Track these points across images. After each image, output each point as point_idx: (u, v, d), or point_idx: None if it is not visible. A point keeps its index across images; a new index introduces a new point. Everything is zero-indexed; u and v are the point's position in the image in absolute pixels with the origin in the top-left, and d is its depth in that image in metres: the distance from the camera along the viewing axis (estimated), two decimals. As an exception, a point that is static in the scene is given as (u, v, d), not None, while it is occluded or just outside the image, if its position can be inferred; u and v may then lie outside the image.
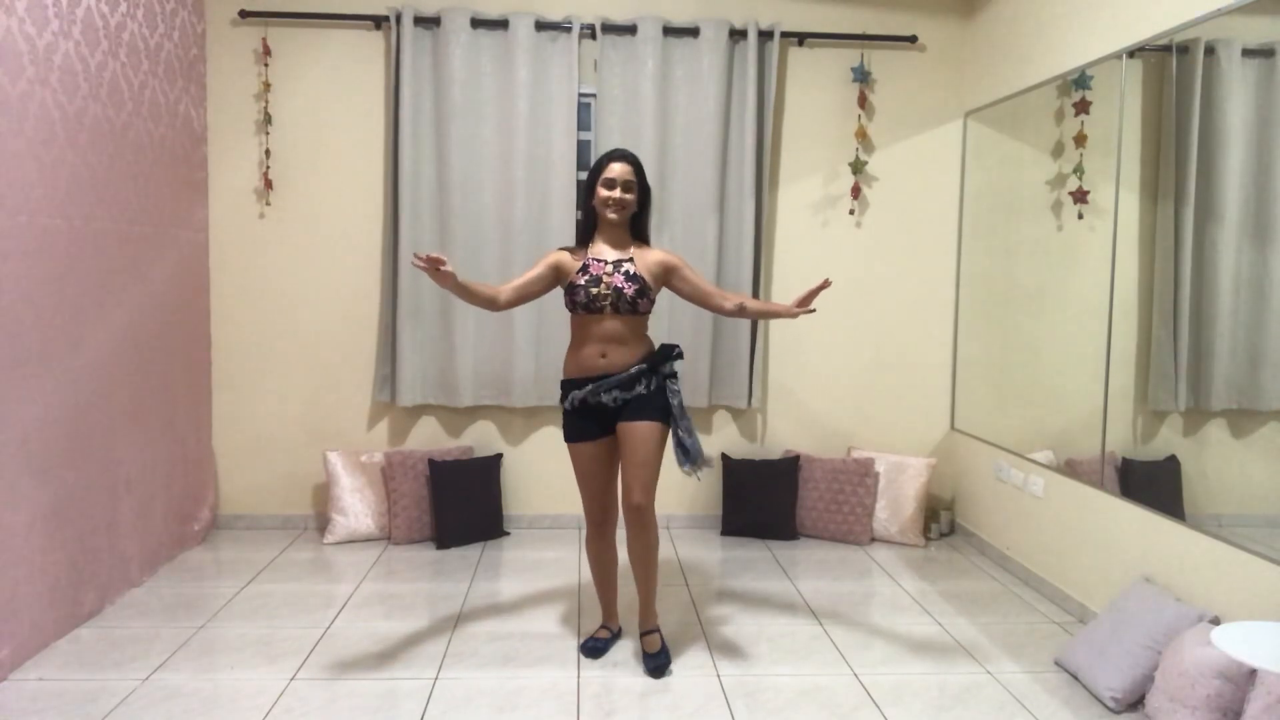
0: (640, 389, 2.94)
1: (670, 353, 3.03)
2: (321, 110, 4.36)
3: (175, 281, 4.00)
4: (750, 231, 4.38)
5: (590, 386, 2.93)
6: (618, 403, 2.94)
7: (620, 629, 3.25)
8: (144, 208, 3.69)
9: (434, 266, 2.62)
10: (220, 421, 4.42)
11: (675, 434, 2.99)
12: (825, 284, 2.90)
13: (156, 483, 3.83)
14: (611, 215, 2.94)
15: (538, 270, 2.98)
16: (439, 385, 4.40)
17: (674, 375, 3.02)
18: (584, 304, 2.91)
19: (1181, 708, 2.50)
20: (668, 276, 3.02)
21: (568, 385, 3.01)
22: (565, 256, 3.00)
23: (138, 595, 3.57)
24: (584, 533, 4.43)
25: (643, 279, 2.94)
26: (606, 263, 2.95)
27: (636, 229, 3.04)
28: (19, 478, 2.92)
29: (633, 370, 2.93)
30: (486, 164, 4.31)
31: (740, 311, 3.05)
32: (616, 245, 3.00)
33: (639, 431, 2.92)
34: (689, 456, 2.99)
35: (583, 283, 2.92)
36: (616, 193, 2.92)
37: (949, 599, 3.69)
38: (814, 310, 2.95)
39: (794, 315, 2.92)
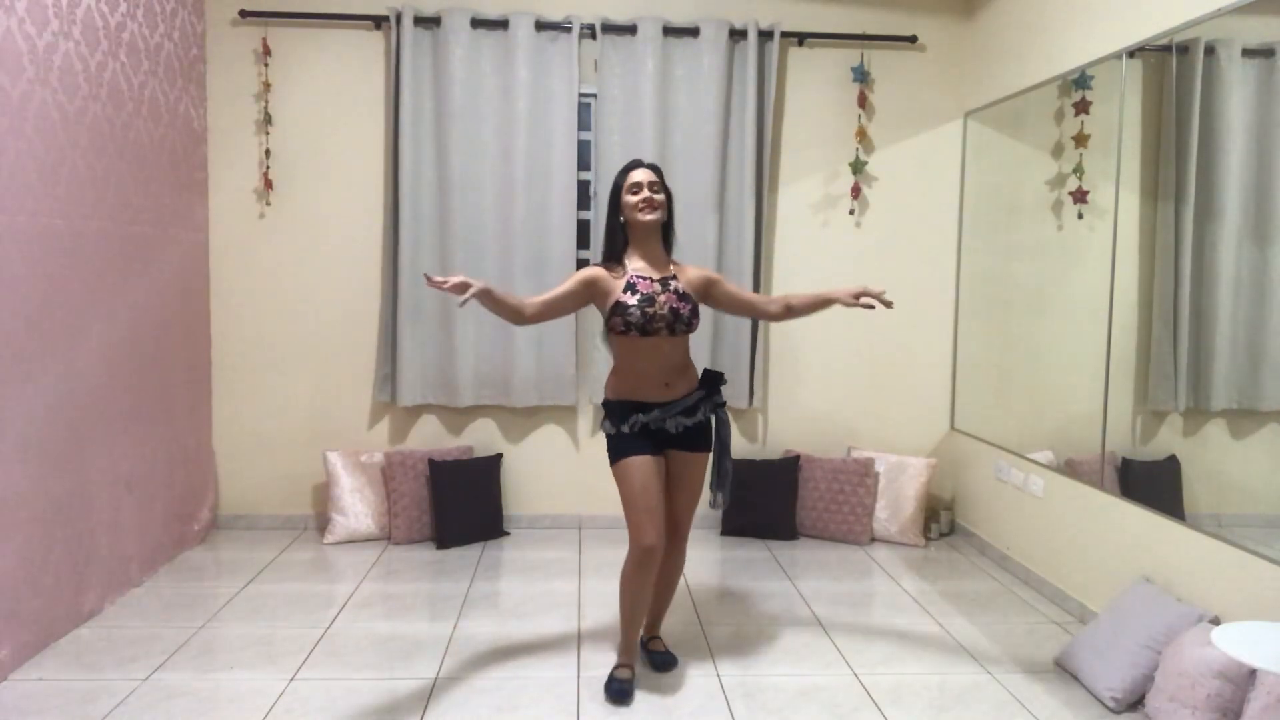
0: (700, 416, 2.87)
1: (720, 380, 2.95)
2: (321, 110, 4.36)
3: (175, 281, 4.00)
4: (750, 231, 4.38)
5: (657, 413, 2.79)
6: (680, 429, 2.83)
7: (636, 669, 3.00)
8: (144, 208, 3.69)
9: (457, 293, 2.44)
10: (220, 421, 4.42)
11: (722, 463, 2.97)
12: (887, 303, 2.80)
13: (156, 483, 3.83)
14: (647, 216, 2.77)
15: (569, 286, 2.79)
16: (439, 385, 4.40)
17: (724, 404, 2.97)
18: (639, 325, 2.73)
19: (1181, 708, 2.50)
20: (708, 291, 2.92)
21: (625, 407, 2.82)
22: (602, 273, 2.80)
23: (138, 595, 3.57)
24: (583, 532, 4.46)
25: (692, 297, 2.84)
26: (654, 280, 2.79)
27: (665, 242, 2.90)
28: (19, 477, 2.92)
29: (693, 398, 2.86)
30: (486, 164, 4.31)
31: (788, 312, 2.96)
32: (654, 261, 2.84)
33: (699, 465, 2.90)
34: (723, 484, 2.98)
35: (634, 302, 2.74)
36: (645, 193, 2.77)
37: (949, 599, 3.69)
38: (873, 306, 2.82)
39: (848, 304, 2.82)
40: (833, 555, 4.22)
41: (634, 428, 2.79)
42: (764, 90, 4.40)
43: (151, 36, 3.73)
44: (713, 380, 2.94)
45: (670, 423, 2.81)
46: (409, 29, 4.21)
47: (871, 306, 2.83)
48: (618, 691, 2.80)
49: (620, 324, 2.75)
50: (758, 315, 2.98)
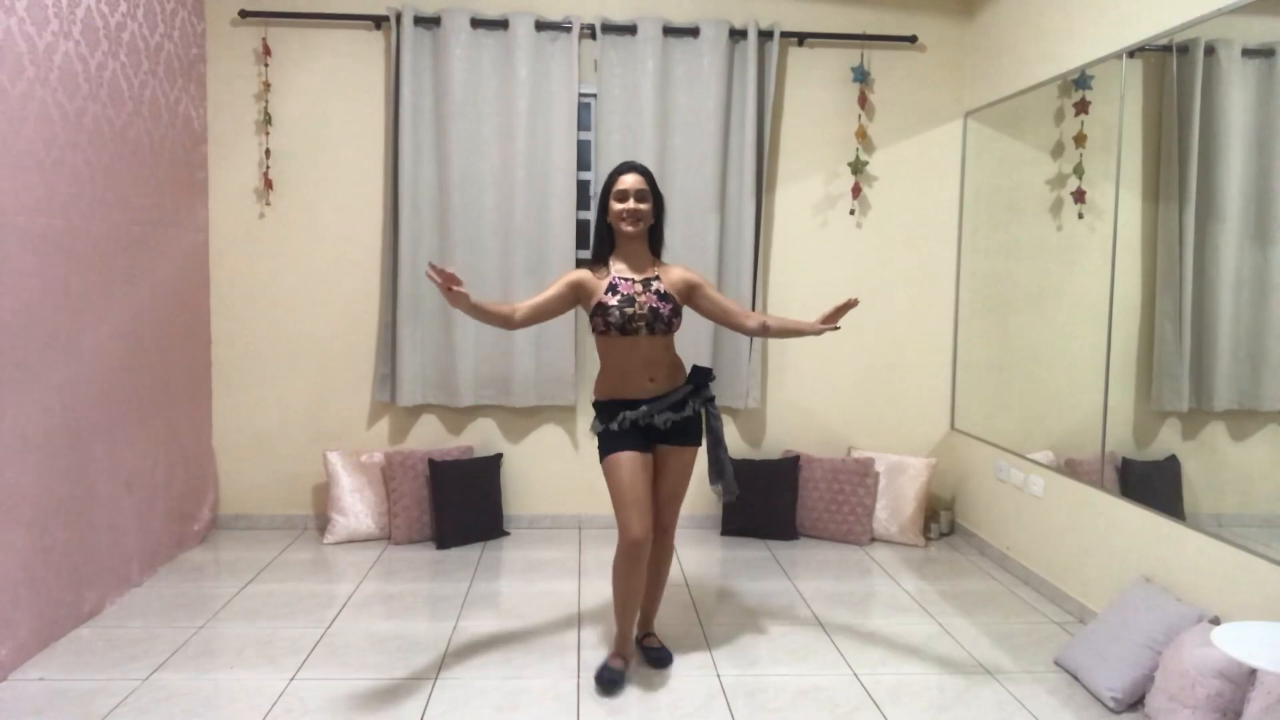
0: (689, 410, 2.92)
1: (709, 376, 2.99)
2: (321, 110, 4.36)
3: (175, 281, 4.00)
4: (750, 231, 4.38)
5: (644, 409, 2.85)
6: (668, 424, 2.88)
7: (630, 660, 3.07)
8: (144, 208, 3.69)
9: (447, 285, 2.53)
10: (220, 421, 4.42)
11: (717, 455, 2.99)
12: (852, 303, 2.83)
13: (156, 483, 3.83)
14: (628, 228, 2.84)
15: (556, 290, 2.86)
16: (439, 385, 4.40)
17: (713, 399, 3.02)
18: (619, 325, 2.81)
19: (1182, 708, 2.50)
20: (690, 294, 2.95)
21: (613, 406, 2.88)
22: (587, 275, 2.89)
23: (138, 595, 3.57)
24: (583, 533, 4.46)
25: (673, 297, 2.89)
26: (635, 281, 2.87)
27: (652, 243, 2.96)
28: (19, 478, 2.92)
29: (680, 393, 2.91)
30: (486, 164, 4.31)
31: (763, 330, 2.99)
32: (638, 262, 2.91)
33: (685, 459, 2.93)
34: (722, 475, 3.00)
35: (615, 303, 2.81)
36: (630, 204, 2.83)
37: (949, 599, 3.69)
38: (839, 328, 2.91)
39: (818, 333, 2.89)
40: (833, 555, 4.22)
41: (622, 425, 2.84)
42: (764, 90, 4.40)
43: (151, 36, 3.73)
44: (701, 376, 2.98)
45: (659, 418, 2.87)
46: (409, 29, 4.21)
47: (838, 327, 2.90)
48: (609, 681, 2.84)
49: (601, 324, 2.84)
50: (733, 326, 3.02)
